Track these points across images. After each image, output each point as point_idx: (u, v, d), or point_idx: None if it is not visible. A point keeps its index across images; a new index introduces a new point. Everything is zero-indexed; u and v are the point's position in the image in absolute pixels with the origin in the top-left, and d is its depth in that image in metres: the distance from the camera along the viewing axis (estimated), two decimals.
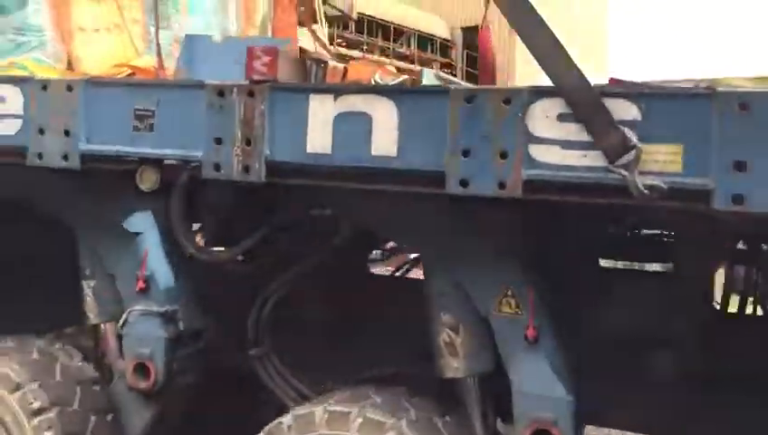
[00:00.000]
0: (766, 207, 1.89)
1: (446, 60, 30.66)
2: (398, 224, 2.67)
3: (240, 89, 2.41)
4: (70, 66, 3.19)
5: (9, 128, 2.71)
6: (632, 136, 2.02)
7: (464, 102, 2.20)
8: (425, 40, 28.99)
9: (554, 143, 2.13)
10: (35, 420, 2.88)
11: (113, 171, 2.74)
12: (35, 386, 2.93)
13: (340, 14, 16.56)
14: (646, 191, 1.99)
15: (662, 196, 2.01)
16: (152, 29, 3.33)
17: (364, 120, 2.30)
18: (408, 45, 28.85)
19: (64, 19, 3.21)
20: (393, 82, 2.60)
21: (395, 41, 27.26)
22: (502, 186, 2.16)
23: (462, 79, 30.73)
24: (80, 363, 3.15)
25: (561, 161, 2.12)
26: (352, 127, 2.31)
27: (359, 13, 25.08)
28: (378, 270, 4.19)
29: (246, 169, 2.41)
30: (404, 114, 2.26)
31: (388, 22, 27.21)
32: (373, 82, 2.64)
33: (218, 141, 2.43)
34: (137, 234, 2.98)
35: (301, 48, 3.63)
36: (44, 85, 2.66)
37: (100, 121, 2.61)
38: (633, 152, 2.00)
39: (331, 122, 2.33)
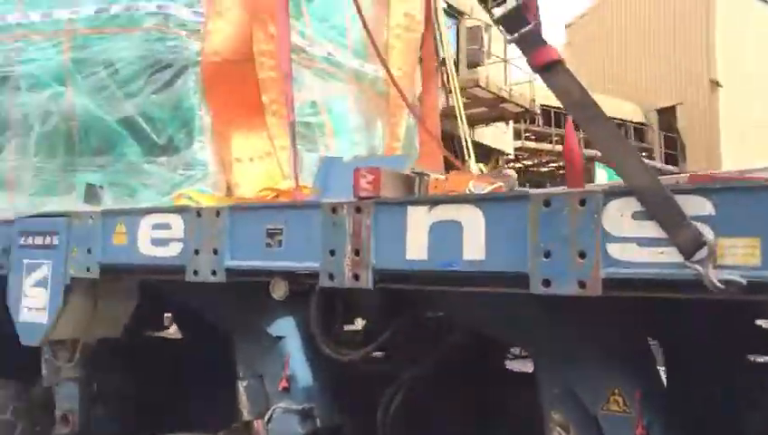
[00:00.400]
0: None
1: (643, 144, 29.84)
2: (504, 325, 2.78)
3: (349, 206, 2.72)
4: (229, 192, 3.74)
5: (174, 250, 3.22)
6: (706, 231, 2.04)
7: (542, 206, 2.33)
8: (617, 125, 28.57)
9: (631, 241, 2.18)
10: None
11: (256, 283, 3.14)
12: None
13: (523, 109, 16.88)
14: (722, 286, 1.98)
15: (741, 290, 1.98)
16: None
17: (456, 228, 2.50)
18: None
19: (224, 152, 3.79)
20: (485, 191, 2.79)
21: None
22: (582, 285, 2.23)
23: (661, 161, 29.58)
24: None
25: (639, 259, 2.17)
26: (445, 234, 2.51)
27: (545, 105, 25.48)
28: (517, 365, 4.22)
29: (356, 277, 2.68)
30: (489, 220, 2.43)
31: None
32: (467, 192, 2.85)
33: (332, 253, 2.74)
34: (280, 338, 3.34)
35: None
36: (198, 212, 3.16)
37: (241, 240, 3.04)
38: (706, 248, 2.01)
39: (426, 231, 2.55)
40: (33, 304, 3.79)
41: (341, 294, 3.14)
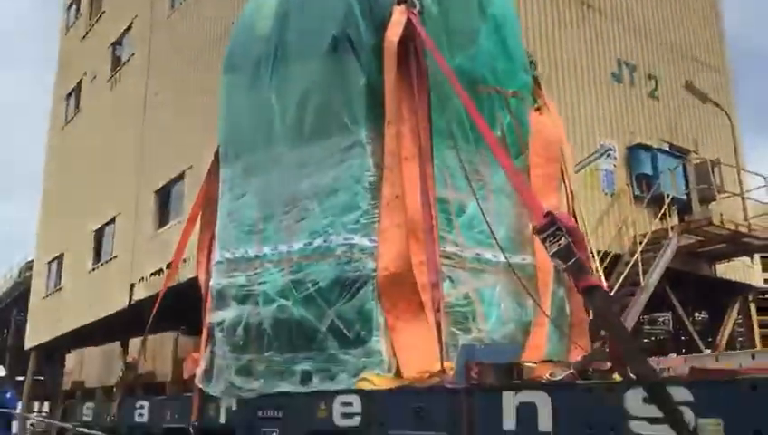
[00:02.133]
0: None
1: None
2: None
3: (464, 390, 3.82)
4: (398, 373, 4.96)
5: (354, 421, 4.49)
6: (688, 412, 2.85)
7: (586, 393, 3.26)
8: None
9: (644, 420, 3.03)
10: None
11: None
12: None
13: (766, 242, 16.30)
14: None
15: None
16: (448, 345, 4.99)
17: (533, 407, 3.48)
18: None
19: (396, 342, 5.06)
20: (556, 378, 3.73)
21: None
22: None
23: None
24: None
25: (651, 432, 3.00)
26: (526, 412, 3.50)
27: None
28: None
29: None
30: (555, 401, 3.39)
31: None
32: (545, 378, 3.80)
33: (454, 424, 3.81)
34: None
35: None
36: (370, 394, 4.42)
37: (397, 414, 4.22)
38: (687, 423, 2.82)
39: (514, 409, 3.56)
40: None
41: None
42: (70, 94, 23.76)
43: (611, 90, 16.36)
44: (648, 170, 15.88)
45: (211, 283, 6.54)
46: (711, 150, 17.66)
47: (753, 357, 4.63)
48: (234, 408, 5.79)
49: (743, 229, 15.09)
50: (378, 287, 5.19)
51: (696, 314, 20.92)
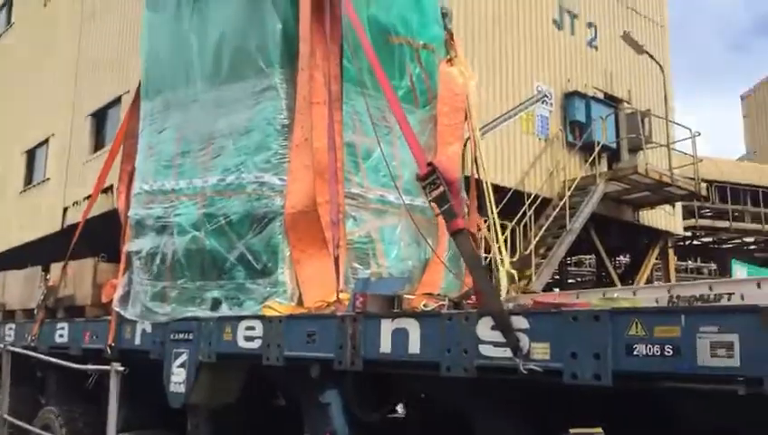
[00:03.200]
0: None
1: None
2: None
3: (350, 317, 4.30)
4: (299, 302, 5.42)
5: (257, 343, 4.94)
6: (524, 338, 3.39)
7: (446, 320, 3.78)
8: None
9: (490, 343, 3.57)
10: None
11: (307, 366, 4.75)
12: None
13: (687, 192, 17.26)
14: (525, 372, 3.32)
15: (542, 374, 3.31)
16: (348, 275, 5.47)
17: (405, 332, 3.99)
18: None
19: (299, 274, 5.50)
20: (429, 308, 4.26)
21: (767, 204, 26.15)
22: (466, 370, 3.63)
23: None
24: None
25: (495, 354, 3.54)
26: (399, 337, 4.01)
27: (720, 182, 25.07)
28: None
29: (353, 363, 4.23)
30: (423, 327, 3.90)
31: (755, 186, 26.36)
32: (420, 308, 4.32)
33: (340, 347, 4.31)
34: (327, 404, 4.89)
35: None
36: (269, 319, 4.87)
37: (293, 338, 4.69)
38: (522, 348, 3.37)
39: (390, 334, 4.06)
40: (177, 380, 5.66)
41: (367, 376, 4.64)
42: (2, 6, 22.67)
43: (552, 36, 16.75)
44: (582, 118, 16.50)
45: (130, 213, 6.83)
46: (644, 101, 18.40)
47: (603, 294, 5.26)
48: (148, 331, 6.19)
49: (666, 179, 15.97)
50: (285, 223, 5.59)
51: (621, 257, 22.09)
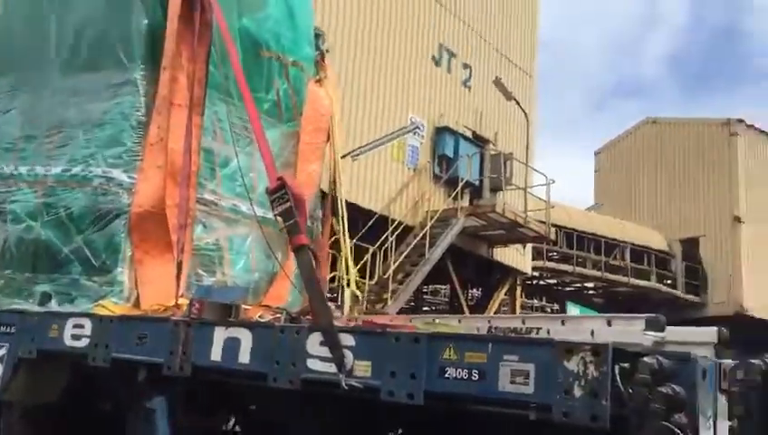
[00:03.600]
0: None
1: (665, 272, 30.26)
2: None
3: (183, 323, 4.26)
4: (137, 303, 5.29)
5: (84, 342, 4.77)
6: (349, 354, 3.52)
7: (279, 332, 3.85)
8: (640, 252, 29.27)
9: (317, 358, 3.67)
10: None
11: (135, 370, 4.64)
12: None
13: (537, 234, 18.18)
14: (346, 387, 3.44)
15: (362, 391, 3.44)
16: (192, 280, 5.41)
17: (238, 341, 4.01)
18: (623, 258, 29.20)
19: (139, 275, 5.38)
20: (263, 320, 4.33)
21: (607, 254, 27.90)
22: (291, 383, 3.71)
23: (682, 290, 30.14)
24: None
25: (322, 368, 3.64)
26: (231, 345, 4.02)
27: (568, 229, 26.53)
28: None
29: (182, 368, 4.19)
30: (255, 337, 3.95)
31: (599, 235, 28.08)
32: (256, 319, 4.38)
33: (171, 353, 4.25)
34: (153, 410, 4.79)
35: None
36: (100, 319, 4.72)
37: (122, 339, 4.57)
38: (346, 364, 3.49)
39: (222, 342, 4.06)
40: None
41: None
42: None
43: (430, 71, 17.35)
44: (450, 153, 17.27)
45: None
46: (508, 144, 19.43)
47: (459, 321, 5.52)
48: None
49: (520, 220, 16.94)
50: (130, 222, 5.46)
51: (473, 290, 23.06)
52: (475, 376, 3.13)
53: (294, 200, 4.16)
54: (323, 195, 7.34)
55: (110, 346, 4.63)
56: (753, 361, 2.66)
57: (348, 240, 6.78)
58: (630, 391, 2.77)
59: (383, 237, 14.22)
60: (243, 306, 4.55)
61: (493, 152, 18.54)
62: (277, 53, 6.61)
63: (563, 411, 2.87)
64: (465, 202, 17.33)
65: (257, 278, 6.26)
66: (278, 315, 4.41)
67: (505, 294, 20.23)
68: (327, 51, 7.47)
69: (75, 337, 4.87)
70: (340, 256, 7.05)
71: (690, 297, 30.35)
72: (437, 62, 17.85)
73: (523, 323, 4.35)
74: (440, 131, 17.44)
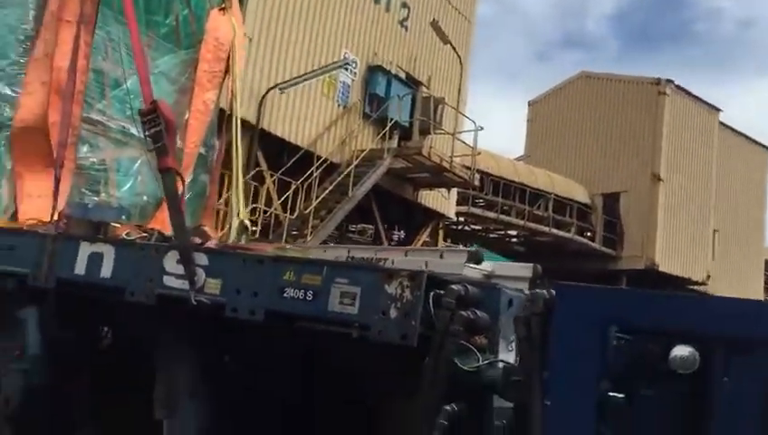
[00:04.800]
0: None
1: (585, 224, 31.10)
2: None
3: (51, 236, 4.38)
4: (14, 216, 5.36)
5: None
6: (201, 272, 3.72)
7: (139, 250, 4.00)
8: (563, 204, 29.91)
9: (173, 275, 3.86)
10: None
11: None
12: None
13: (462, 180, 18.41)
14: (195, 302, 3.66)
15: (209, 306, 3.66)
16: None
17: (101, 256, 4.15)
18: (546, 208, 29.79)
19: (19, 190, 5.43)
20: (130, 238, 4.49)
21: (531, 204, 28.44)
22: (149, 298, 3.89)
23: (599, 244, 31.29)
24: None
25: (177, 285, 3.84)
26: (96, 259, 4.16)
27: (495, 176, 26.79)
28: None
29: (47, 280, 4.32)
30: (117, 254, 4.10)
31: (525, 185, 28.53)
32: (121, 237, 4.54)
33: (37, 264, 4.37)
34: (24, 320, 4.91)
35: None
36: None
37: None
38: (197, 281, 3.69)
39: (86, 258, 4.20)
40: None
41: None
42: None
43: (368, 8, 17.09)
44: (382, 92, 17.03)
45: None
46: (441, 89, 19.44)
47: (325, 251, 5.77)
48: None
49: (445, 164, 17.08)
50: (11, 136, 5.46)
51: (399, 231, 23.34)
52: (310, 296, 3.39)
53: (165, 124, 4.27)
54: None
55: None
56: (537, 290, 2.97)
57: (240, 171, 6.91)
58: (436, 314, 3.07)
59: (308, 173, 14.24)
60: (113, 225, 4.67)
61: (425, 95, 18.58)
62: None
63: (379, 330, 3.16)
64: (394, 143, 17.40)
65: (144, 201, 6.35)
66: (145, 235, 4.56)
67: (428, 238, 20.64)
68: None
69: None
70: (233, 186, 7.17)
71: (606, 250, 31.46)
72: (377, 0, 17.66)
73: (375, 254, 4.63)
74: (373, 70, 17.20)
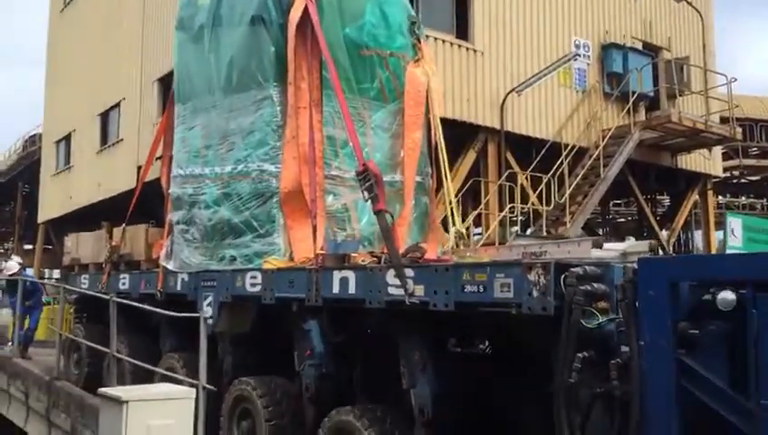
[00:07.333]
0: None
1: None
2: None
3: (314, 269, 6.28)
4: (291, 258, 7.41)
5: (257, 288, 6.99)
6: (410, 282, 5.31)
7: (369, 271, 5.72)
8: None
9: (393, 286, 5.50)
10: None
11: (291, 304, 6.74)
12: None
13: (721, 137, 17.82)
14: (409, 303, 5.25)
15: (419, 305, 5.23)
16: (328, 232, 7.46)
17: (347, 279, 5.95)
18: None
19: (291, 238, 7.49)
20: (363, 263, 6.19)
21: None
22: (379, 303, 5.59)
23: None
24: None
25: (396, 293, 5.48)
26: (344, 282, 5.96)
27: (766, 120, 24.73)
28: None
29: (316, 300, 6.23)
30: (357, 276, 5.85)
31: None
32: (359, 262, 6.26)
33: (308, 289, 6.30)
34: (309, 330, 6.89)
35: None
36: (266, 271, 6.90)
37: (281, 284, 6.70)
38: (408, 288, 5.28)
39: (338, 281, 6.03)
40: (208, 315, 7.76)
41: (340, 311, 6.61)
42: None
43: None
44: (619, 69, 16.60)
45: (170, 190, 8.92)
46: (684, 48, 18.53)
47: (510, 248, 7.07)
48: (186, 279, 8.32)
49: (700, 126, 16.37)
50: (279, 200, 7.57)
51: (659, 198, 22.61)
52: (482, 289, 4.80)
53: (375, 178, 5.95)
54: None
55: (273, 289, 6.80)
56: (627, 263, 4.04)
57: (451, 189, 8.45)
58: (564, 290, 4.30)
59: (557, 163, 14.33)
60: (353, 254, 6.46)
61: (666, 60, 17.65)
62: (376, 49, 8.32)
63: (528, 306, 4.46)
64: (642, 116, 16.60)
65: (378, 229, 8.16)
66: (374, 259, 6.27)
67: (698, 199, 19.58)
68: (421, 35, 9.03)
69: (252, 285, 7.12)
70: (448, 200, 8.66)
71: None
72: None
73: (540, 247, 5.85)
74: (607, 48, 16.73)
